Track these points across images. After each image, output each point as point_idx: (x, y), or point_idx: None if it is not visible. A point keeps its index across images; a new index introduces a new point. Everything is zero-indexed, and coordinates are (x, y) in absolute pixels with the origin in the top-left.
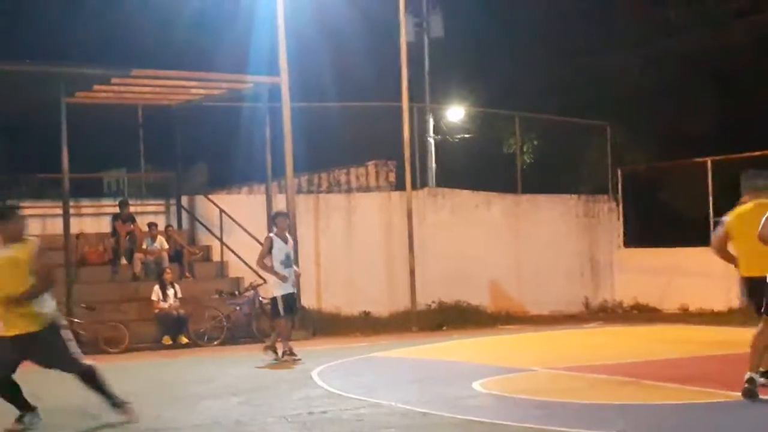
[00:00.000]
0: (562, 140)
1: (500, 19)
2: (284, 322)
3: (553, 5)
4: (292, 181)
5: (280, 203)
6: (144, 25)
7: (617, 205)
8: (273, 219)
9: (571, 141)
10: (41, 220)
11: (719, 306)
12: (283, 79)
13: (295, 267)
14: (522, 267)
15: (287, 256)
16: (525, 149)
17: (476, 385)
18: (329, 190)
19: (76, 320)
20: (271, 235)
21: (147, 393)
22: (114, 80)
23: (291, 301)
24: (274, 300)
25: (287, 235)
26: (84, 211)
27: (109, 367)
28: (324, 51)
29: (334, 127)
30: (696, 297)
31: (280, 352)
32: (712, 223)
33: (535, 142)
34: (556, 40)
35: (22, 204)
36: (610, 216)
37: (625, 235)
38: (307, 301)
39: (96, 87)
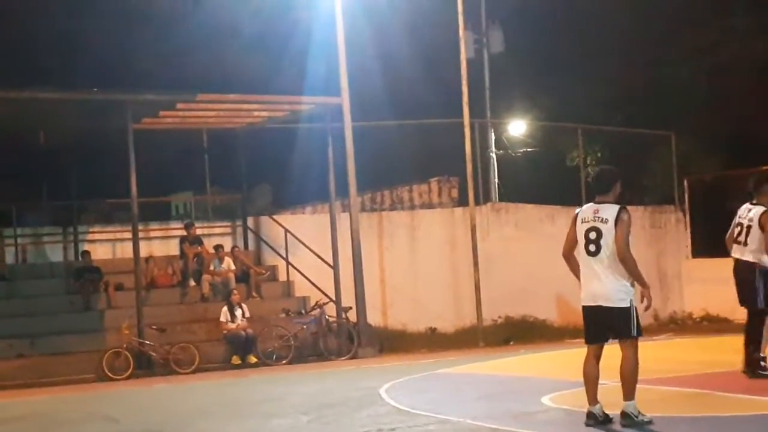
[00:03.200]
0: (626, 151)
1: (560, 33)
2: None
3: (614, 16)
4: (355, 199)
5: (343, 222)
6: (205, 50)
7: (684, 215)
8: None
9: (636, 152)
10: (111, 244)
11: None
12: (344, 99)
13: None
14: None
15: None
16: (589, 161)
17: (545, 400)
18: (392, 208)
19: (147, 342)
20: None
21: (217, 412)
22: (179, 105)
23: None
24: None
25: None
26: (152, 234)
27: (180, 387)
28: (384, 70)
29: (396, 145)
30: None
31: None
32: None
33: (599, 154)
34: (618, 50)
35: (92, 229)
36: (677, 226)
37: (692, 245)
38: (373, 318)
39: (162, 113)
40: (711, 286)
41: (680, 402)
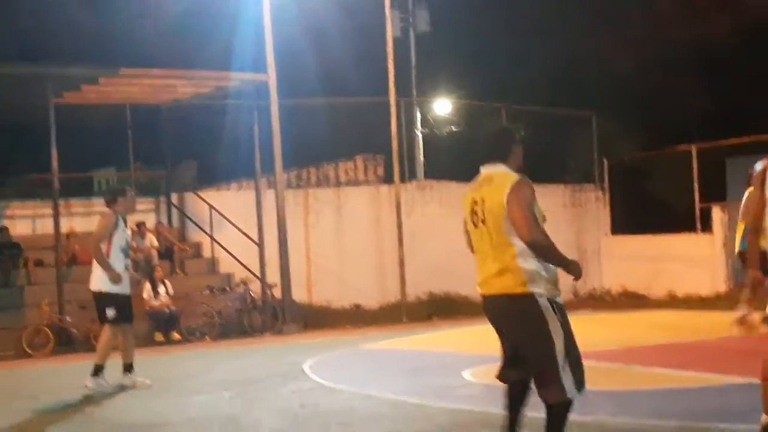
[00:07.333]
0: (548, 131)
1: (485, 13)
2: None
3: None
4: (281, 176)
5: (269, 199)
6: (129, 24)
7: (604, 194)
8: None
9: (558, 132)
10: (31, 220)
11: (706, 291)
12: (270, 76)
13: None
14: None
15: None
16: None
17: (466, 375)
18: (318, 185)
19: (67, 318)
20: None
21: (139, 389)
22: (102, 80)
23: None
24: None
25: None
26: (74, 210)
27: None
28: (310, 47)
29: (322, 122)
30: (683, 283)
31: None
32: (697, 209)
33: (522, 133)
34: (541, 32)
35: (11, 204)
36: (597, 205)
37: (612, 223)
38: (298, 295)
39: (84, 87)
40: (629, 263)
41: (598, 376)
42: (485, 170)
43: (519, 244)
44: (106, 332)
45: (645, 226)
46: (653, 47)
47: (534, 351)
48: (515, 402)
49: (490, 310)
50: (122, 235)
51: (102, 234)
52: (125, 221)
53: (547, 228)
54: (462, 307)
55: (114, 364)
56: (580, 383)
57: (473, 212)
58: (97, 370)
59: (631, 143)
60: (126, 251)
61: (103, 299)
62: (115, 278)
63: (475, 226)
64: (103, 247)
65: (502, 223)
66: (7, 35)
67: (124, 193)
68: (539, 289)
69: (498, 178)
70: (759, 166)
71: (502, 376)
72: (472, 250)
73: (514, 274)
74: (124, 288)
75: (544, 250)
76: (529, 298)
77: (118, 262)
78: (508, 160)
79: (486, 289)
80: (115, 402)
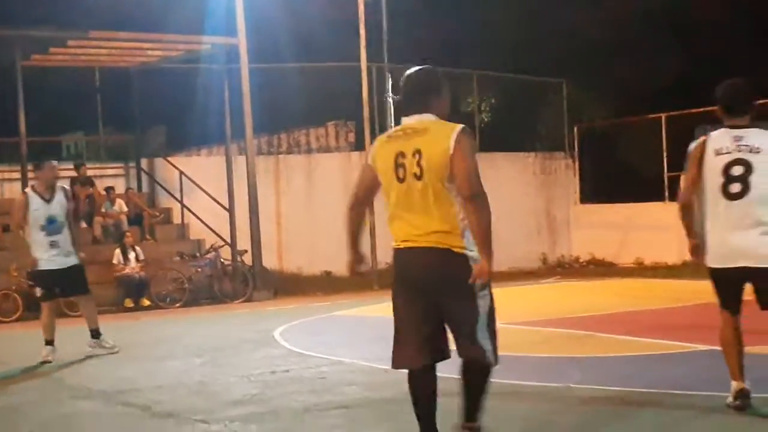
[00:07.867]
0: (519, 98)
1: None
2: None
3: None
4: (251, 142)
5: (239, 164)
6: None
7: (573, 162)
8: None
9: (529, 99)
10: None
11: (673, 259)
12: (241, 40)
13: None
14: None
15: None
16: (483, 108)
17: None
18: (289, 151)
19: None
20: None
21: (109, 355)
22: (71, 42)
23: None
24: None
25: None
26: None
27: (72, 330)
28: (281, 11)
29: (293, 87)
30: (651, 251)
31: None
32: (666, 178)
33: (493, 101)
34: None
35: None
36: (566, 172)
37: (581, 191)
38: (269, 261)
39: (52, 50)
40: (597, 231)
41: (565, 342)
42: (411, 120)
43: (459, 201)
44: (43, 310)
45: (614, 195)
46: (625, 14)
47: (459, 307)
48: (429, 401)
49: (416, 263)
50: (41, 212)
51: (16, 222)
52: (50, 193)
53: (518, 196)
54: None
55: (83, 330)
56: (496, 355)
57: (398, 165)
58: (48, 344)
59: (601, 111)
60: (48, 227)
61: (33, 278)
62: (32, 263)
63: (401, 180)
64: (26, 229)
65: (445, 175)
66: None
67: (40, 167)
68: (475, 254)
69: (435, 127)
70: (693, 145)
71: (407, 361)
72: (361, 202)
73: (456, 235)
74: (55, 263)
75: (482, 208)
76: (465, 260)
77: (40, 241)
78: (435, 108)
79: (418, 242)
80: (84, 368)
